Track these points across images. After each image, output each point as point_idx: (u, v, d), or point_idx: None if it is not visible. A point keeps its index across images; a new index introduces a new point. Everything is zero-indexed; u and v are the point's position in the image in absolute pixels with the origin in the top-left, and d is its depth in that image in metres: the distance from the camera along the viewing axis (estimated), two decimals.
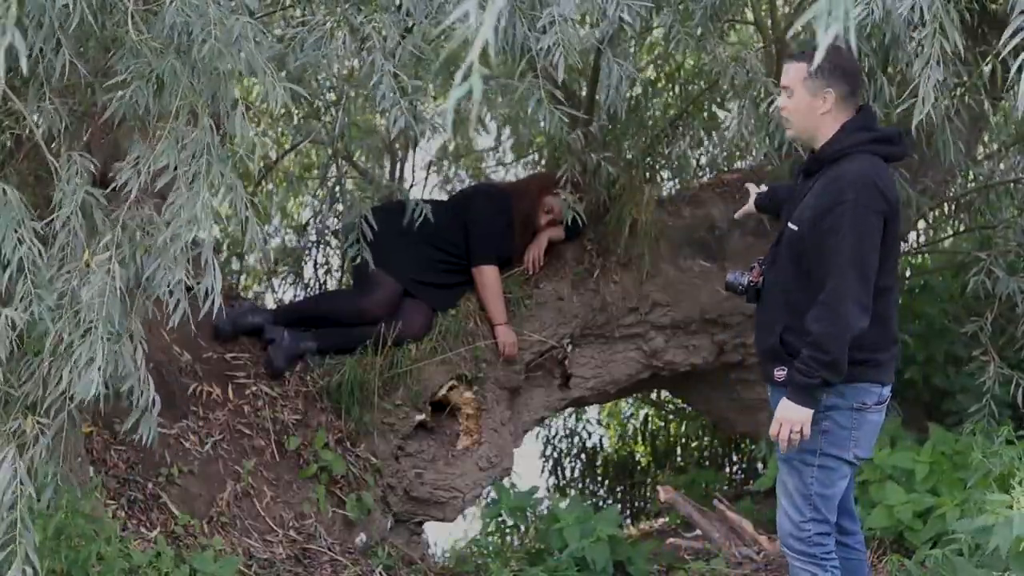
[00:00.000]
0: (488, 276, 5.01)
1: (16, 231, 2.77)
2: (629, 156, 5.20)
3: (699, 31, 4.18)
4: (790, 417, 3.15)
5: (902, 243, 5.77)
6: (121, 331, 2.88)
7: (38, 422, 2.96)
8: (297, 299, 6.01)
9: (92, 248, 2.87)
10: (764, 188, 3.76)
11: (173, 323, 2.95)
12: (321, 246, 6.07)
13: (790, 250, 3.24)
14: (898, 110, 3.75)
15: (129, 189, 2.91)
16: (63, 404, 2.94)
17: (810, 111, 3.20)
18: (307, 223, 6.27)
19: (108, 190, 2.99)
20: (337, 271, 6.02)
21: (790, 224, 3.24)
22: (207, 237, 2.89)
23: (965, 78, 4.32)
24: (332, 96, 5.08)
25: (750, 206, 3.78)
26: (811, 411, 3.14)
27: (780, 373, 3.25)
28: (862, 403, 3.21)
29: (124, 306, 2.89)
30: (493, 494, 5.00)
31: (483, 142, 7.18)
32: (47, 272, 2.85)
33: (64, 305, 2.85)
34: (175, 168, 2.87)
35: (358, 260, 4.84)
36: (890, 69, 4.28)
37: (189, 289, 2.97)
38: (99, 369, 2.77)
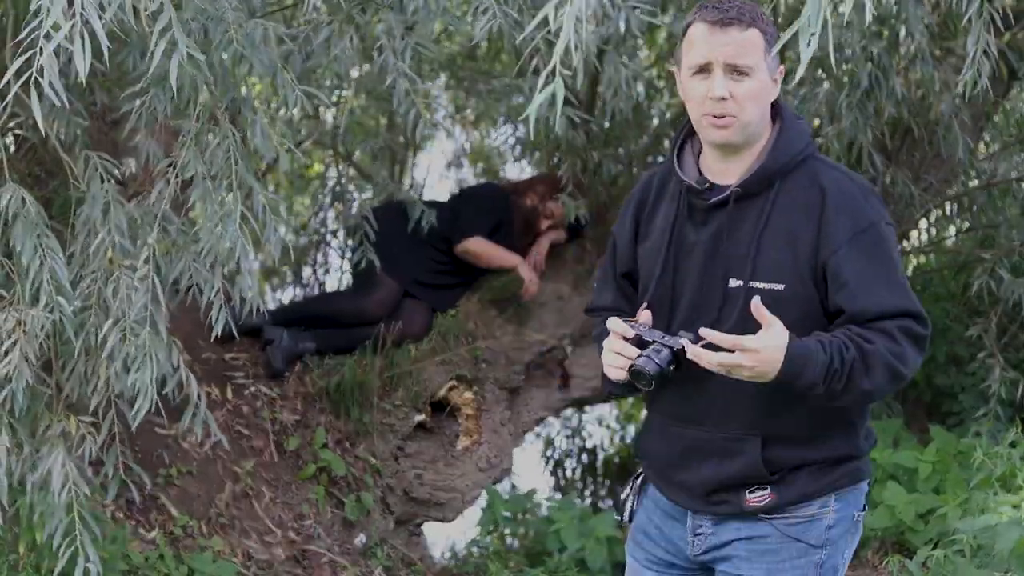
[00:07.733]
0: (475, 245, 4.86)
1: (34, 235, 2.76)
2: (630, 154, 5.19)
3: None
4: (766, 357, 1.98)
5: (904, 240, 5.76)
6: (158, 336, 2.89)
7: (82, 421, 2.96)
8: (297, 299, 5.99)
9: (123, 258, 2.87)
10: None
11: (217, 333, 3.02)
12: (321, 246, 6.05)
13: (781, 312, 2.03)
14: (962, 79, 3.44)
15: (156, 193, 2.92)
16: (110, 403, 2.95)
17: (768, 99, 2.14)
18: (307, 222, 6.25)
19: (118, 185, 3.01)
20: (337, 271, 6.01)
21: (754, 283, 2.12)
22: (244, 257, 2.90)
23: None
24: (332, 97, 5.05)
25: None
26: (777, 371, 1.99)
27: (760, 495, 2.18)
28: (862, 509, 2.30)
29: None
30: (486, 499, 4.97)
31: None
32: (68, 274, 2.84)
33: (92, 307, 2.84)
34: (203, 179, 2.86)
35: (363, 264, 4.81)
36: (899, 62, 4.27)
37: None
38: (152, 381, 2.79)
